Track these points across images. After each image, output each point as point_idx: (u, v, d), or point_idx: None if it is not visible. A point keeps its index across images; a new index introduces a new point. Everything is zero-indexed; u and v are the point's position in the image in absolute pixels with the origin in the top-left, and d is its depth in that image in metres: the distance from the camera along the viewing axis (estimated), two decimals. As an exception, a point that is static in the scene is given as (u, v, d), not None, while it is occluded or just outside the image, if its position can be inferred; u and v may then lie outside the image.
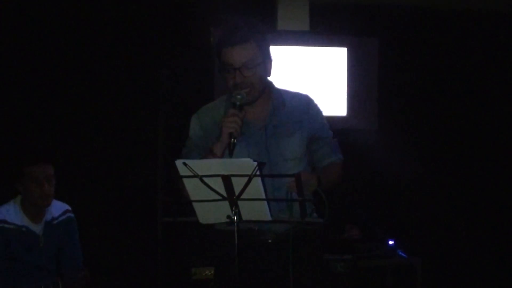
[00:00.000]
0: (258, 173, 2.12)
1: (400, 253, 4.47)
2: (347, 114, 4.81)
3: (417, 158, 4.98)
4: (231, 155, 2.35)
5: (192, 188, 2.20)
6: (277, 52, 4.07)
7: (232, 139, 2.35)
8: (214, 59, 4.58)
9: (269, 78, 2.57)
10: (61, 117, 4.54)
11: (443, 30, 5.15)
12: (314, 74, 4.78)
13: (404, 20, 5.10)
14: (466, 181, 5.13)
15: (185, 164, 2.13)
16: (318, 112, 2.62)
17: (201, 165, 2.15)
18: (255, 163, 2.10)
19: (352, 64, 4.83)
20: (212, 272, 3.88)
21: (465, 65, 5.18)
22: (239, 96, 2.40)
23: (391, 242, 4.49)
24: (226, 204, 2.20)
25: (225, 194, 2.18)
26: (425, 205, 5.04)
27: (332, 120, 3.27)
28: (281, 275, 2.45)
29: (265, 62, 2.49)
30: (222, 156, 2.37)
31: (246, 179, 2.12)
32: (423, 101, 5.17)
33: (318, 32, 4.82)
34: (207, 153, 2.40)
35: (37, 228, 3.20)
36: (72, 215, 3.38)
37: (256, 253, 2.47)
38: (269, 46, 2.53)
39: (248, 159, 2.12)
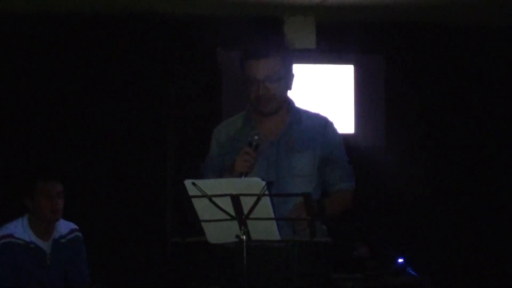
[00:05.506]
0: (267, 192, 2.11)
1: (409, 271, 4.43)
2: (355, 131, 4.80)
3: (426, 175, 4.96)
4: None
5: (201, 207, 2.19)
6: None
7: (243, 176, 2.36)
8: (222, 78, 4.66)
9: (290, 97, 2.61)
10: (70, 135, 4.57)
11: (450, 47, 5.14)
12: (321, 91, 4.78)
13: (411, 37, 5.10)
14: (477, 199, 5.09)
15: (194, 184, 2.13)
16: (335, 135, 2.60)
17: (210, 185, 2.15)
18: (264, 183, 2.10)
19: (359, 82, 4.83)
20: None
21: (474, 82, 5.15)
22: (256, 137, 2.41)
23: (400, 260, 4.46)
24: (235, 223, 2.19)
25: (233, 214, 2.17)
26: (434, 223, 5.00)
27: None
28: None
29: (288, 76, 2.53)
30: None
31: (255, 198, 2.12)
32: (431, 118, 5.15)
33: (325, 49, 4.83)
34: (224, 172, 2.42)
35: (45, 246, 3.21)
36: (80, 234, 3.38)
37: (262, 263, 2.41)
38: (292, 61, 2.58)
39: (257, 179, 2.13)
